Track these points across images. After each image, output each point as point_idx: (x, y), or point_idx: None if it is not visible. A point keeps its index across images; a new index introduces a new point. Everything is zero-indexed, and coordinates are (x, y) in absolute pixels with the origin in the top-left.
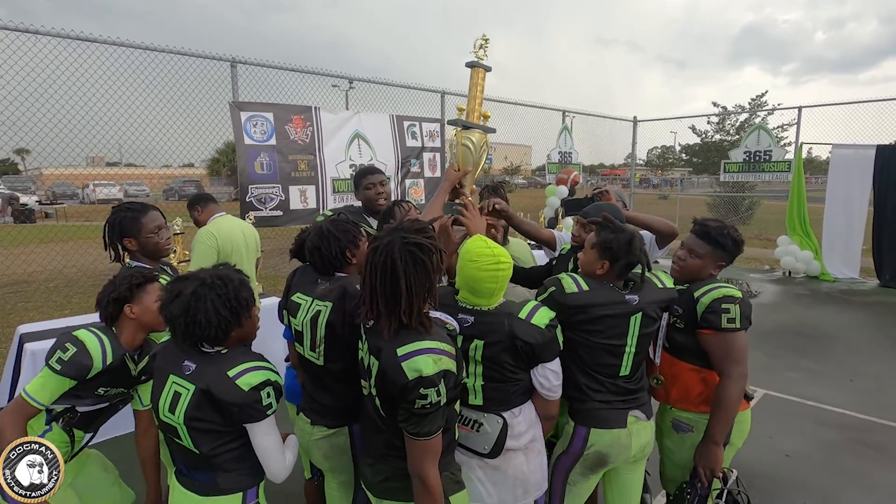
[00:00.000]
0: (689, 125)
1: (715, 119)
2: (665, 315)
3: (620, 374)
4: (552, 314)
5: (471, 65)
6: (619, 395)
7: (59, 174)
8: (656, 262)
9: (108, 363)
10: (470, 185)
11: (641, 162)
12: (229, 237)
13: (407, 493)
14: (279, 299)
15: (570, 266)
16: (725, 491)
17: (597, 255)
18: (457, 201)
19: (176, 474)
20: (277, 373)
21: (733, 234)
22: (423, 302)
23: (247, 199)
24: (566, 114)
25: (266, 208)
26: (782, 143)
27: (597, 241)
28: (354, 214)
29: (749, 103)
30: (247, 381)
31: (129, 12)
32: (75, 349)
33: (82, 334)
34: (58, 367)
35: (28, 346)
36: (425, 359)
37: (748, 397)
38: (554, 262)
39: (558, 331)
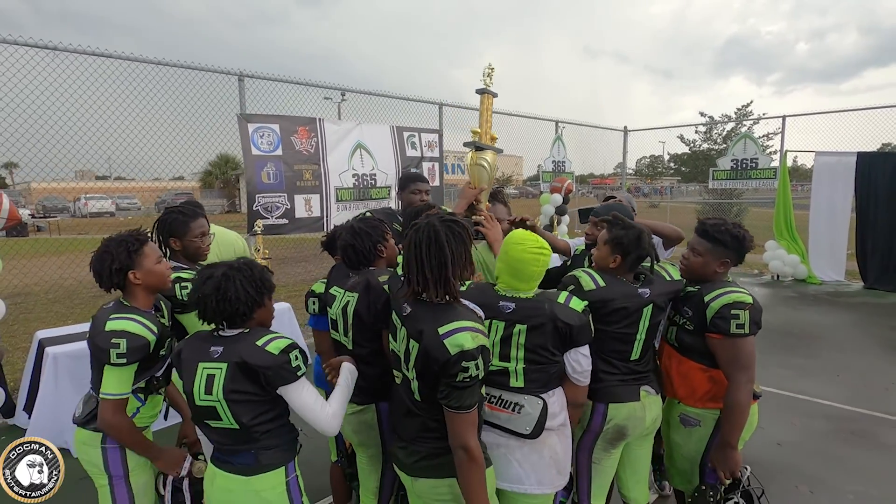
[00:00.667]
0: (678, 135)
1: (702, 128)
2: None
3: (631, 359)
4: (585, 302)
5: (480, 91)
6: (631, 374)
7: (48, 188)
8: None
9: (155, 331)
10: (484, 200)
11: (631, 171)
12: (230, 246)
13: (440, 470)
14: (284, 303)
15: (585, 264)
16: (741, 486)
17: (609, 250)
18: (474, 217)
19: (214, 462)
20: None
21: (732, 231)
22: (464, 269)
23: (254, 208)
24: (559, 124)
25: (272, 216)
26: (768, 151)
27: (609, 237)
28: (388, 215)
29: (735, 112)
30: (276, 346)
31: (119, 27)
32: (124, 339)
33: (117, 325)
34: (123, 361)
35: (49, 349)
36: (465, 335)
37: (756, 395)
38: (568, 263)
39: (590, 318)
